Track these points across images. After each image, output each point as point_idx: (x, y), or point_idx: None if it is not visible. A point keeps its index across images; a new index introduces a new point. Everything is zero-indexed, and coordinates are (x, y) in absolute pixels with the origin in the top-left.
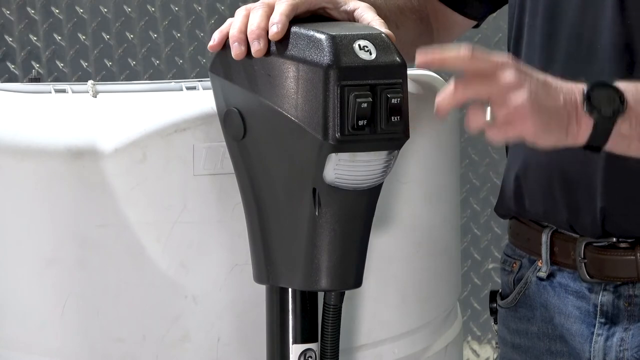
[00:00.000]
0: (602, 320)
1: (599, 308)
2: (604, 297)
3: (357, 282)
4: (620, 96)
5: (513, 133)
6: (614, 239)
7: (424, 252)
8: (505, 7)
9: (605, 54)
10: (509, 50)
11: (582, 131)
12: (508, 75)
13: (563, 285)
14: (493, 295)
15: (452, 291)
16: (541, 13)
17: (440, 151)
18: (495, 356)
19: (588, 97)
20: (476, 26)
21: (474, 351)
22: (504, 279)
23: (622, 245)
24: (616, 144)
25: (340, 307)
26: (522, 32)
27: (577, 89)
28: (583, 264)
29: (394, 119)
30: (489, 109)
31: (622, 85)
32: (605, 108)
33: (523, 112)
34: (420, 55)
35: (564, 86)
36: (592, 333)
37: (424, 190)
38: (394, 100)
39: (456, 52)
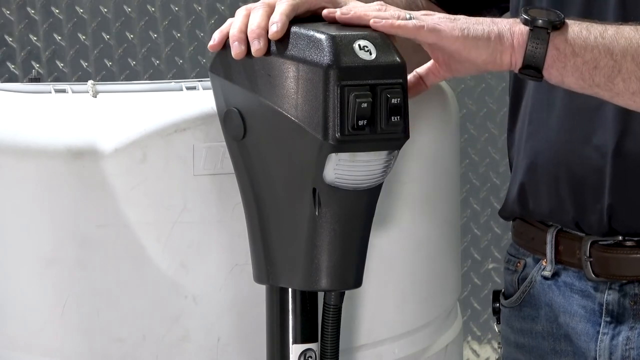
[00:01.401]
0: (608, 319)
1: (604, 307)
2: (609, 296)
3: (357, 282)
4: (558, 15)
5: (437, 34)
6: (620, 237)
7: (424, 252)
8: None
9: None
10: None
11: (517, 51)
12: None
13: (568, 284)
14: (496, 295)
15: (452, 291)
16: (545, 5)
17: (440, 151)
18: (495, 357)
19: (525, 12)
20: None
21: (474, 351)
22: (507, 279)
23: (628, 243)
24: (554, 66)
25: (340, 307)
26: None
27: (515, 21)
28: (588, 263)
29: (394, 119)
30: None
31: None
32: (540, 17)
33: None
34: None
35: (499, 21)
36: (598, 332)
37: (424, 190)
38: (394, 100)
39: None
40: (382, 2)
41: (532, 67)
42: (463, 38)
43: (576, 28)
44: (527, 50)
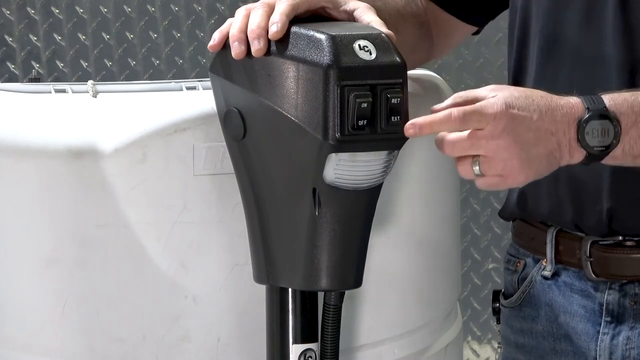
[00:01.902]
0: (608, 319)
1: (604, 307)
2: (609, 296)
3: (357, 282)
4: (615, 125)
5: (504, 186)
6: (620, 238)
7: (424, 252)
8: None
9: (609, 58)
10: (510, 55)
11: (574, 159)
12: (498, 137)
13: (568, 284)
14: (496, 295)
15: (452, 291)
16: (544, 19)
17: (440, 151)
18: (495, 357)
19: (583, 132)
20: (476, 32)
21: (474, 351)
22: (507, 279)
23: (628, 243)
24: (609, 162)
25: (340, 307)
26: (527, 38)
27: (572, 118)
28: (588, 263)
29: (394, 119)
30: (477, 164)
31: (620, 99)
32: (598, 145)
33: (513, 172)
34: (409, 127)
35: (559, 118)
36: (598, 332)
37: (424, 190)
38: (394, 100)
39: (444, 116)
40: (369, 5)
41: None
42: (525, 179)
43: (634, 134)
44: (581, 163)
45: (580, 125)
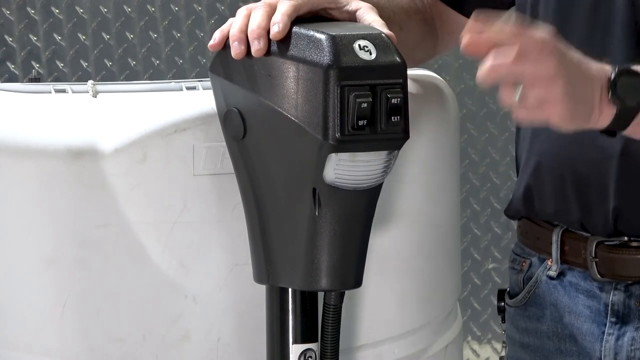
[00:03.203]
0: (613, 319)
1: (609, 307)
2: (614, 296)
3: (357, 282)
4: None
5: (540, 117)
6: (626, 238)
7: (424, 252)
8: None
9: (617, 54)
10: None
11: (603, 118)
12: (545, 60)
13: (573, 284)
14: (501, 294)
15: (452, 291)
16: (552, 15)
17: (440, 151)
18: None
19: (614, 86)
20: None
21: (474, 351)
22: (512, 278)
23: (634, 244)
24: (633, 131)
25: (340, 307)
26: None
27: (604, 75)
28: (594, 263)
29: (394, 119)
30: (520, 89)
31: None
32: (629, 99)
33: (554, 100)
34: (467, 39)
35: (594, 71)
36: (603, 332)
37: (424, 191)
38: (394, 100)
39: (501, 29)
40: (371, 5)
41: (609, 131)
42: (562, 112)
43: None
44: (610, 124)
45: (612, 80)
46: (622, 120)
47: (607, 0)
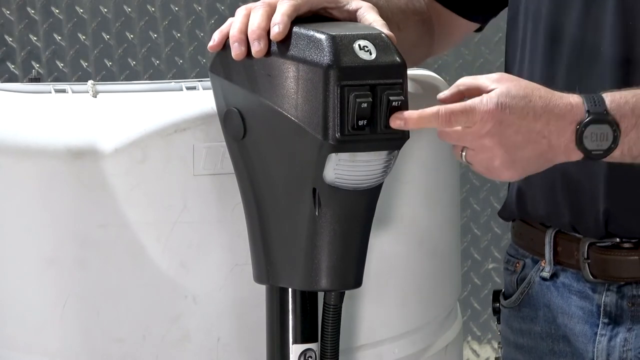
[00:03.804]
0: (606, 320)
1: (602, 308)
2: (607, 298)
3: (357, 282)
4: (614, 130)
5: (491, 177)
6: (617, 239)
7: (424, 252)
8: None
9: (608, 56)
10: (507, 54)
11: (571, 158)
12: (485, 135)
13: (566, 285)
14: (496, 295)
15: (452, 291)
16: (544, 18)
17: (440, 151)
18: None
19: (580, 139)
20: (479, 30)
21: (474, 351)
22: (507, 279)
23: (626, 245)
24: (607, 161)
25: (340, 307)
26: (525, 37)
27: (568, 124)
28: (586, 264)
29: None
30: (463, 154)
31: (622, 101)
32: (596, 149)
33: (496, 170)
34: (395, 118)
35: (553, 123)
36: (596, 333)
37: (424, 190)
38: (394, 101)
39: (432, 113)
40: (371, 5)
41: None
42: (511, 177)
43: (633, 135)
44: (581, 160)
45: (579, 130)
46: (592, 161)
47: (598, 3)
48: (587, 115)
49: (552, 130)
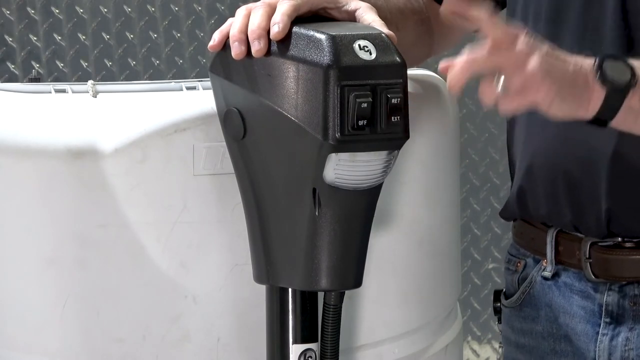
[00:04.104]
0: (607, 320)
1: (604, 308)
2: (609, 297)
3: (357, 282)
4: (631, 69)
5: (526, 101)
6: (619, 239)
7: (424, 252)
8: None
9: (609, 42)
10: None
11: (593, 102)
12: (519, 44)
13: (568, 284)
14: (497, 295)
15: (452, 291)
16: (543, 18)
17: (440, 151)
18: (496, 356)
19: (600, 67)
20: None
21: (474, 351)
22: (508, 279)
23: (628, 245)
24: (624, 119)
25: (340, 307)
26: (528, 22)
27: (586, 60)
28: (588, 264)
29: (394, 119)
30: (501, 78)
31: (631, 60)
32: (617, 79)
33: (535, 79)
34: (449, 3)
35: (572, 57)
36: (597, 333)
37: (424, 190)
38: (394, 101)
39: (478, 12)
40: (370, 5)
41: (600, 120)
42: (547, 93)
43: None
44: (600, 109)
45: (599, 63)
46: (612, 103)
47: (598, 4)
48: (601, 56)
49: (577, 60)
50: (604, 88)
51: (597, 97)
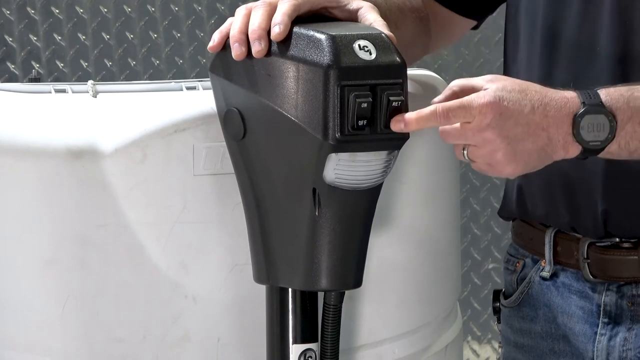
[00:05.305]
0: (605, 320)
1: (602, 308)
2: (607, 297)
3: (357, 282)
4: (610, 120)
5: (492, 174)
6: (617, 239)
7: (424, 252)
8: (504, 7)
9: (604, 55)
10: (506, 53)
11: (570, 154)
12: (485, 128)
13: (566, 285)
14: (496, 295)
15: (452, 291)
16: (541, 18)
17: (440, 151)
18: (496, 356)
19: (577, 130)
20: (476, 27)
21: (474, 351)
22: (507, 279)
23: (625, 245)
24: (610, 155)
25: (340, 307)
26: (523, 36)
27: (567, 113)
28: (586, 264)
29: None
30: (466, 152)
31: (617, 94)
32: (593, 140)
33: (499, 164)
34: (396, 122)
35: (551, 115)
36: (595, 333)
37: (424, 191)
38: (394, 101)
39: (430, 113)
40: (372, 5)
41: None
42: (514, 171)
43: (629, 129)
44: (578, 157)
45: (576, 120)
46: (589, 155)
47: (593, 20)
48: (582, 106)
49: (550, 122)
50: (581, 145)
51: (574, 149)
